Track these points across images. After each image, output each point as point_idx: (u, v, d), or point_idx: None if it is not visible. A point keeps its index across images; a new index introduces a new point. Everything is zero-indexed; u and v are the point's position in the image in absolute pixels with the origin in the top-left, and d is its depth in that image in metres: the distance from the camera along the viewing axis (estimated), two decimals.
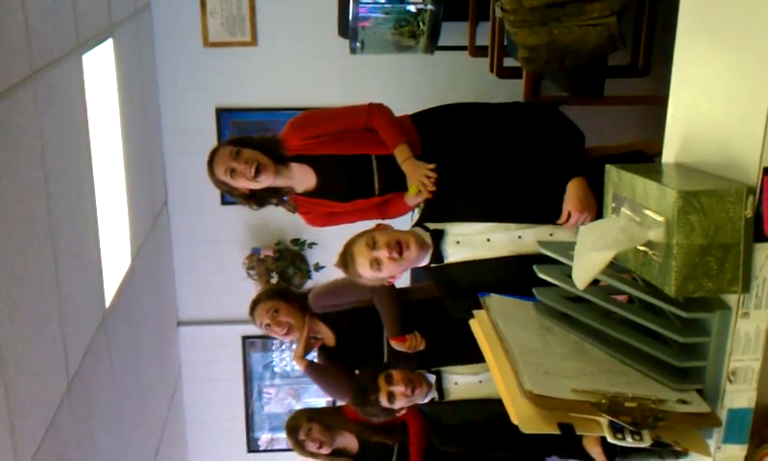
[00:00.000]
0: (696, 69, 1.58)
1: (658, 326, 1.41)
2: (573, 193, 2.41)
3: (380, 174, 2.80)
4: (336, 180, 2.82)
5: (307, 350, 3.10)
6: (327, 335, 3.14)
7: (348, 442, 3.14)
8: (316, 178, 2.82)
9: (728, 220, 1.32)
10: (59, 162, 3.34)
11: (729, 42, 1.46)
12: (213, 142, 3.03)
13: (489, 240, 2.40)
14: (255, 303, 3.17)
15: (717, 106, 1.50)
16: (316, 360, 3.19)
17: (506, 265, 2.34)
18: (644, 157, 2.69)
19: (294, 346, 3.20)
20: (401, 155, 2.72)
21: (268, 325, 3.09)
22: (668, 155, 1.67)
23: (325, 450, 3.11)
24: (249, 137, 2.87)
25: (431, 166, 2.66)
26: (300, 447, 3.17)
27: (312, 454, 3.17)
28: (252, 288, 5.21)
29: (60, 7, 3.49)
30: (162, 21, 5.07)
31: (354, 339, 3.07)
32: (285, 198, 2.91)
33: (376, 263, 2.38)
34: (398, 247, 2.38)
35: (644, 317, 1.44)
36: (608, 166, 1.61)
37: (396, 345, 2.84)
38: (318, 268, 5.27)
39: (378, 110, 2.81)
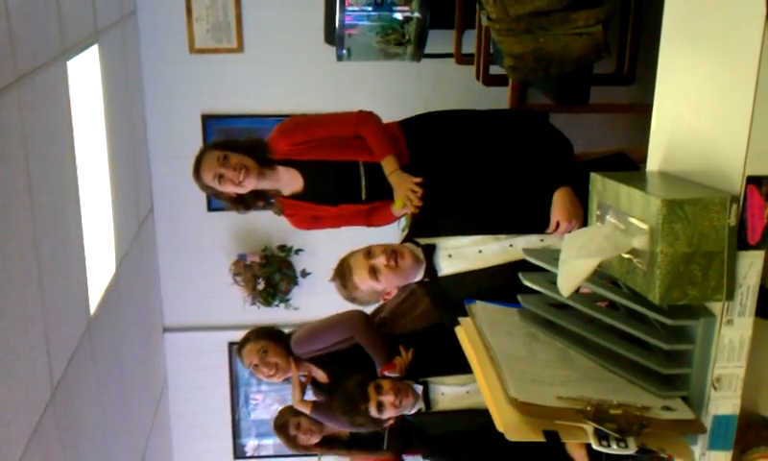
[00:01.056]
0: (680, 78, 1.59)
1: (642, 333, 1.42)
2: (560, 202, 2.43)
3: (367, 181, 2.79)
4: (323, 184, 2.81)
5: (303, 391, 3.10)
6: (319, 374, 3.13)
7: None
8: (303, 181, 2.81)
9: (712, 228, 1.33)
10: (43, 169, 3.32)
11: (713, 52, 1.47)
12: (200, 147, 3.02)
13: (480, 251, 2.42)
14: (244, 343, 3.16)
15: (701, 115, 1.51)
16: (311, 398, 3.18)
17: (498, 274, 2.36)
18: (627, 161, 2.71)
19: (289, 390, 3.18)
20: (388, 166, 2.71)
21: (256, 365, 3.08)
22: (653, 163, 1.68)
23: (317, 438, 3.15)
24: (234, 141, 2.86)
25: (417, 180, 2.66)
26: (292, 442, 3.21)
27: (305, 447, 3.20)
28: (238, 294, 5.19)
29: (44, 12, 3.47)
30: (148, 27, 5.06)
31: (346, 371, 3.06)
32: (272, 200, 2.90)
33: (374, 272, 2.38)
34: (394, 256, 2.39)
35: (629, 324, 1.45)
36: (592, 174, 1.62)
37: (388, 373, 2.84)
38: (305, 274, 5.26)
39: (367, 119, 2.81)
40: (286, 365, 3.06)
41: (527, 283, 1.64)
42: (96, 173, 4.22)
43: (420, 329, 2.89)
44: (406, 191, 2.65)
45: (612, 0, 3.71)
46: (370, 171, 2.77)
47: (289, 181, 2.82)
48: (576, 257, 1.41)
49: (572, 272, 1.41)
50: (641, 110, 3.56)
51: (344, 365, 3.07)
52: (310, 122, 2.86)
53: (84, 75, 4.09)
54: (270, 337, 3.15)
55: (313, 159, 2.78)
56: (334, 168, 2.78)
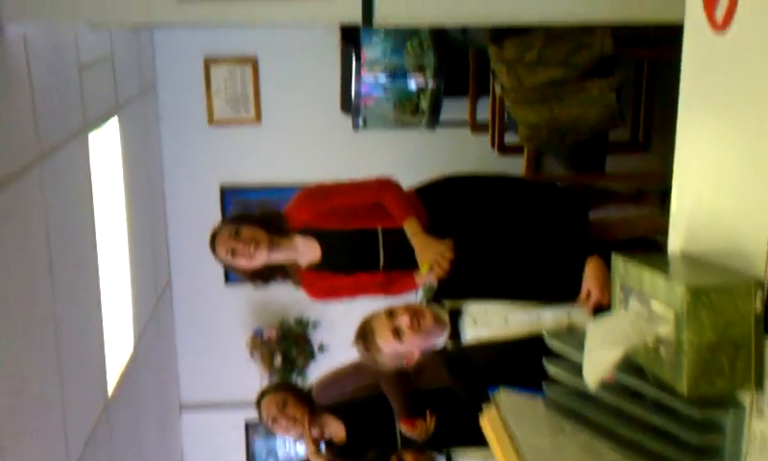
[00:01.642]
0: (698, 157, 1.59)
1: (670, 426, 1.38)
2: (592, 272, 2.43)
3: (386, 248, 2.79)
4: (340, 252, 2.81)
5: (317, 443, 3.06)
6: (336, 428, 3.09)
7: None
8: (320, 250, 2.80)
9: (738, 315, 1.31)
10: (64, 245, 3.34)
11: (730, 128, 1.46)
12: (217, 221, 3.06)
13: (506, 319, 2.40)
14: (263, 395, 3.13)
15: (721, 194, 1.50)
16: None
17: (523, 349, 2.32)
18: (655, 246, 2.69)
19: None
20: (410, 228, 2.70)
21: (275, 418, 3.05)
22: (674, 243, 1.67)
23: None
24: (248, 214, 2.88)
25: (447, 243, 2.64)
26: None
27: None
28: (255, 370, 5.14)
29: (67, 90, 3.53)
30: (168, 100, 5.14)
31: (365, 427, 3.02)
32: (290, 273, 2.90)
33: (397, 333, 2.37)
34: (417, 316, 2.38)
35: (656, 416, 1.42)
36: (614, 256, 1.61)
37: (405, 430, 2.79)
38: (322, 349, 5.19)
39: (388, 186, 2.83)
40: (304, 419, 3.02)
41: (552, 374, 1.61)
42: (115, 247, 4.24)
43: (444, 389, 2.85)
44: (434, 255, 2.63)
45: (624, 68, 3.75)
46: (388, 238, 2.77)
47: (306, 252, 2.82)
48: (601, 346, 1.39)
49: (598, 362, 1.39)
50: (657, 180, 3.55)
51: (364, 419, 3.03)
52: (330, 190, 2.89)
53: (104, 147, 4.14)
54: (289, 390, 3.14)
55: (332, 228, 2.79)
56: (352, 236, 2.79)
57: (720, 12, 1.50)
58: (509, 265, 2.60)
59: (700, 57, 1.55)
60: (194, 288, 5.25)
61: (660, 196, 3.36)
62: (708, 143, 1.53)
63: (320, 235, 2.80)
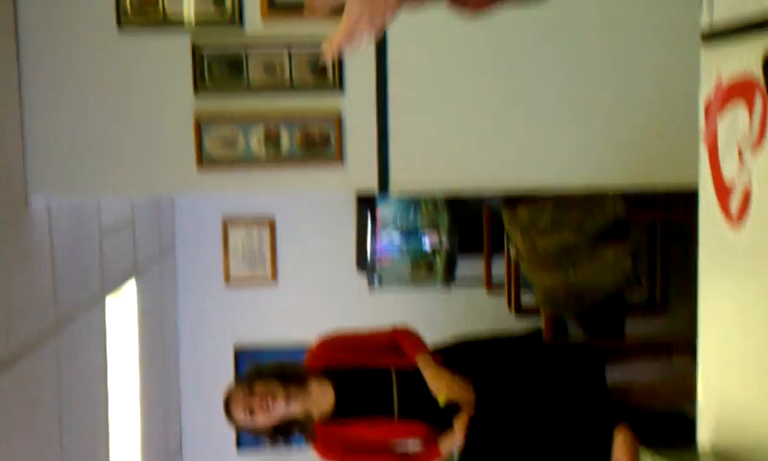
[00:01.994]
0: (721, 353, 1.56)
1: None
2: (622, 444, 2.38)
3: (400, 391, 2.78)
4: (354, 395, 2.79)
5: None
6: None
7: None
8: (334, 394, 2.78)
9: None
10: (75, 414, 3.29)
11: (750, 325, 1.44)
12: (229, 384, 3.03)
13: None
14: None
15: (748, 391, 1.46)
16: None
17: None
18: (686, 422, 2.64)
19: None
20: (422, 362, 2.75)
21: None
22: (704, 435, 1.62)
23: None
24: (260, 370, 2.86)
25: (462, 379, 2.66)
26: None
27: None
28: None
29: (87, 256, 3.58)
30: (185, 259, 5.21)
31: None
32: (304, 426, 2.84)
33: None
34: None
35: None
36: (642, 452, 1.56)
37: None
38: None
39: (404, 330, 2.91)
40: None
41: None
42: (127, 411, 4.17)
43: None
44: (447, 381, 2.68)
45: (637, 230, 3.79)
46: (401, 379, 2.77)
47: (318, 399, 2.79)
48: None
49: None
50: (680, 348, 3.48)
51: None
52: (349, 334, 2.97)
53: (121, 308, 4.15)
54: None
55: (346, 367, 2.81)
56: (366, 376, 2.80)
57: (734, 205, 1.51)
58: (532, 432, 2.56)
59: (717, 254, 1.55)
60: (205, 455, 5.11)
61: (689, 346, 3.30)
62: (730, 340, 1.51)
63: (334, 375, 2.81)
